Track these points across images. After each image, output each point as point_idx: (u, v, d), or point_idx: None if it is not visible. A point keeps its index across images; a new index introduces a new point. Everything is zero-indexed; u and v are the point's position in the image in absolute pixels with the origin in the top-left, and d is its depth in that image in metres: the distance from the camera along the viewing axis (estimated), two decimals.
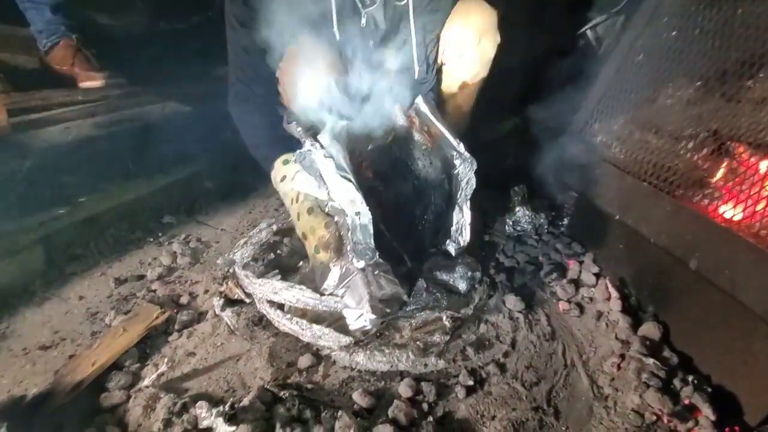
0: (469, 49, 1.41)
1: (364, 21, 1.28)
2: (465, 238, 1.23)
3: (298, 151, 1.05)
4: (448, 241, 1.25)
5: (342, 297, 1.03)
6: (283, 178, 1.18)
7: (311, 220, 1.06)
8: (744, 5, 1.07)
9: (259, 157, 1.28)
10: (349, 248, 0.99)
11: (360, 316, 1.02)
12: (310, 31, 1.28)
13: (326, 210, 1.07)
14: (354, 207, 0.98)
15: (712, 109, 1.10)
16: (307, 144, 1.04)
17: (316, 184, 1.05)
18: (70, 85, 1.72)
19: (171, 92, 1.80)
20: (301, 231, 1.10)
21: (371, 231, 0.97)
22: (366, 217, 0.97)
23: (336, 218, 1.04)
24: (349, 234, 0.98)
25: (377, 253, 0.99)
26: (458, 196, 1.22)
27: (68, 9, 1.75)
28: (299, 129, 1.08)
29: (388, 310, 1.07)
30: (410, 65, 1.39)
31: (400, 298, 1.10)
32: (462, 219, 1.22)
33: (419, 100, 1.21)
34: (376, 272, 1.01)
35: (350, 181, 0.97)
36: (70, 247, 1.35)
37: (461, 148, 1.18)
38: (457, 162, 1.20)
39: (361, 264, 0.98)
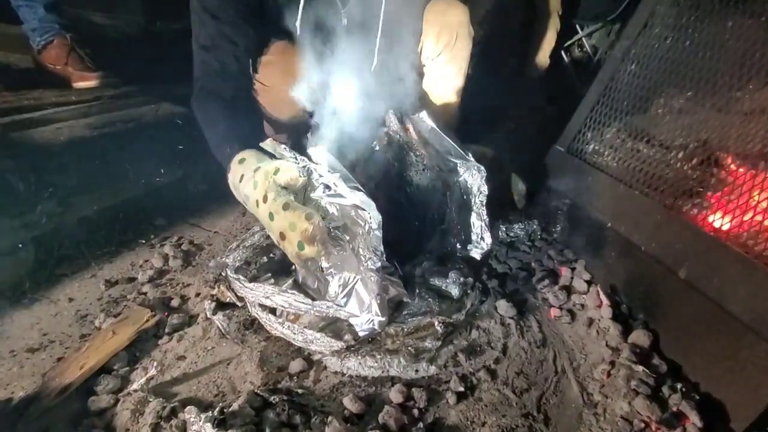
0: (446, 48, 1.43)
1: (345, 21, 1.26)
2: (487, 241, 1.28)
3: (300, 166, 1.02)
4: (470, 246, 1.29)
5: (345, 306, 1.03)
6: (242, 177, 1.05)
7: (289, 216, 0.96)
8: (735, 17, 1.08)
9: (221, 156, 1.15)
10: (362, 251, 1.00)
11: (368, 321, 1.02)
12: (284, 25, 1.25)
13: (329, 218, 1.04)
14: (367, 212, 0.98)
15: (703, 120, 1.11)
16: (300, 161, 1.04)
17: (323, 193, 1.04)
18: (63, 85, 1.71)
19: (165, 93, 1.79)
20: (278, 231, 0.98)
21: (380, 235, 0.98)
22: (376, 220, 0.97)
23: (333, 223, 1.03)
24: (363, 237, 0.99)
25: (385, 256, 1.00)
26: (473, 203, 1.27)
27: (62, 7, 1.74)
28: (283, 147, 1.05)
29: (395, 314, 1.10)
30: (401, 66, 1.39)
31: (400, 301, 1.12)
32: (481, 224, 1.27)
33: (424, 114, 1.22)
34: (381, 274, 1.01)
35: (361, 190, 0.97)
36: (60, 248, 1.34)
37: (470, 156, 1.23)
38: (461, 170, 1.24)
39: (378, 264, 0.99)
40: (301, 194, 1.04)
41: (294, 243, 0.97)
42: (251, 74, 1.29)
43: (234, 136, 1.12)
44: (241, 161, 1.06)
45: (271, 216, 0.99)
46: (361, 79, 1.28)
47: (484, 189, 1.25)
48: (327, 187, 1.02)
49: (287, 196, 0.98)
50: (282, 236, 0.99)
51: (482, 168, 1.23)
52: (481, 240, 1.28)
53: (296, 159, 1.04)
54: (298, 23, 1.20)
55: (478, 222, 1.28)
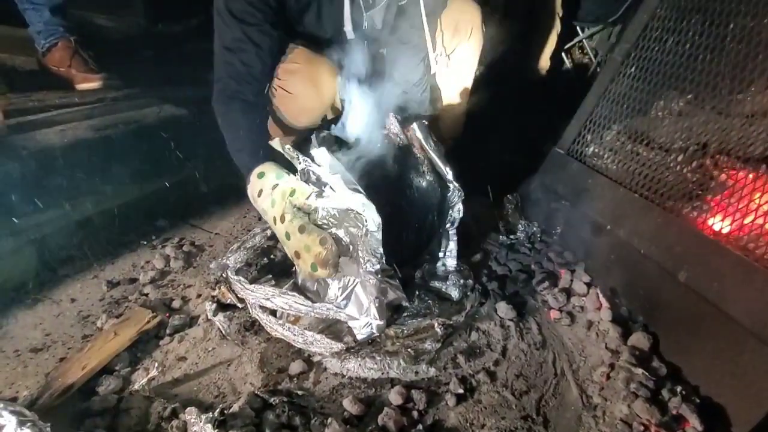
0: (461, 45, 1.47)
1: (366, 24, 1.28)
2: (452, 263, 1.27)
3: (299, 170, 1.05)
4: (439, 263, 1.28)
5: (345, 308, 1.04)
6: (260, 192, 1.11)
7: (304, 238, 1.02)
8: (736, 20, 1.08)
9: (240, 162, 1.19)
10: (361, 253, 1.01)
11: (366, 325, 1.03)
12: (308, 30, 1.28)
13: (324, 221, 1.06)
14: (366, 214, 0.99)
15: (703, 123, 1.11)
16: (302, 162, 1.05)
17: (320, 194, 1.05)
18: (66, 86, 1.73)
19: (167, 95, 1.80)
20: (294, 250, 1.05)
21: (380, 237, 0.99)
22: (376, 223, 0.98)
23: (333, 230, 1.04)
24: (361, 240, 1.00)
25: (384, 258, 1.01)
26: (446, 221, 1.26)
27: (67, 10, 1.76)
28: (288, 147, 1.06)
29: (395, 316, 1.11)
30: (409, 66, 1.41)
31: (399, 304, 1.12)
32: (449, 245, 1.26)
33: (415, 125, 1.22)
34: (380, 277, 1.02)
35: (361, 191, 0.98)
36: (63, 250, 1.35)
37: (450, 176, 1.22)
38: (451, 186, 1.24)
39: (377, 267, 1.00)
40: (313, 213, 1.07)
41: (308, 263, 1.03)
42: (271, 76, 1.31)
43: (254, 146, 1.16)
44: (260, 175, 1.12)
45: (287, 236, 1.05)
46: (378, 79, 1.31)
47: (461, 211, 1.24)
48: (326, 186, 1.03)
49: (303, 218, 1.04)
50: (297, 255, 1.05)
51: (462, 191, 1.22)
52: (447, 259, 1.27)
53: (298, 159, 1.06)
54: (349, 29, 1.25)
55: (445, 242, 1.27)
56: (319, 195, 1.03)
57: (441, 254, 1.28)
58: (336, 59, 1.31)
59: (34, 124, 1.39)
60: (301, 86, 1.30)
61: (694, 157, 1.11)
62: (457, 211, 1.24)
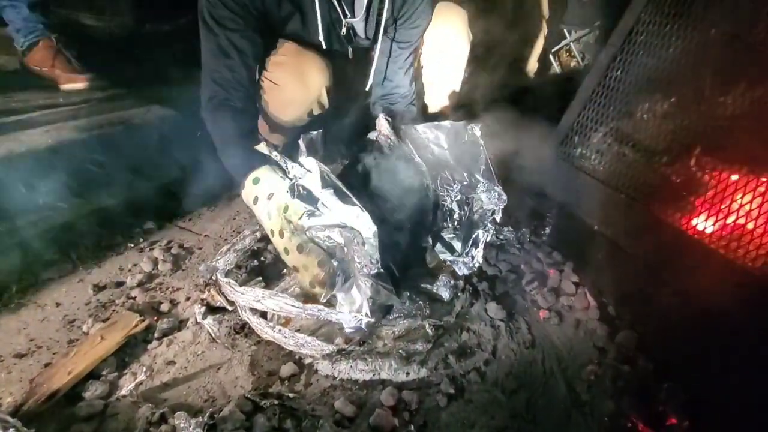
0: (447, 46, 1.50)
1: (344, 30, 1.30)
2: (477, 259, 1.27)
3: (289, 185, 1.05)
4: (459, 258, 1.28)
5: (338, 302, 1.05)
6: (256, 199, 1.11)
7: (303, 258, 1.05)
8: (717, 26, 1.11)
9: (232, 169, 1.19)
10: (357, 257, 1.01)
11: (356, 320, 1.03)
12: (292, 36, 1.29)
13: (317, 236, 1.07)
14: (361, 224, 1.00)
15: (686, 125, 1.13)
16: (290, 170, 1.04)
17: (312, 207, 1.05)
18: (51, 87, 1.70)
19: (155, 95, 1.78)
20: (292, 264, 1.08)
21: (376, 244, 1.00)
22: (371, 231, 0.99)
23: (327, 232, 1.05)
24: (357, 245, 1.01)
25: (380, 263, 1.01)
26: (480, 221, 1.27)
27: (49, 8, 1.73)
28: (275, 153, 1.05)
29: (388, 316, 1.12)
30: (395, 78, 1.43)
31: (390, 306, 1.12)
32: (480, 243, 1.27)
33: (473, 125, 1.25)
34: (375, 280, 1.02)
35: (356, 204, 0.99)
36: (47, 253, 1.32)
37: (497, 181, 1.25)
38: (480, 188, 1.26)
39: (374, 271, 1.01)
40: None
41: (306, 280, 1.06)
42: (257, 81, 1.31)
43: (246, 151, 1.15)
44: (255, 181, 1.11)
45: (286, 251, 1.08)
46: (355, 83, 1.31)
47: (498, 216, 1.26)
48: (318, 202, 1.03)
49: (300, 237, 1.07)
50: (295, 269, 1.08)
51: (504, 196, 1.24)
52: (471, 257, 1.28)
53: (287, 166, 1.06)
54: (321, 39, 1.26)
55: (481, 238, 1.27)
56: (312, 214, 1.04)
57: (467, 249, 1.27)
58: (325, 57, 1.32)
59: (17, 125, 1.36)
60: (288, 78, 1.31)
61: (678, 159, 1.13)
62: (496, 215, 1.27)
